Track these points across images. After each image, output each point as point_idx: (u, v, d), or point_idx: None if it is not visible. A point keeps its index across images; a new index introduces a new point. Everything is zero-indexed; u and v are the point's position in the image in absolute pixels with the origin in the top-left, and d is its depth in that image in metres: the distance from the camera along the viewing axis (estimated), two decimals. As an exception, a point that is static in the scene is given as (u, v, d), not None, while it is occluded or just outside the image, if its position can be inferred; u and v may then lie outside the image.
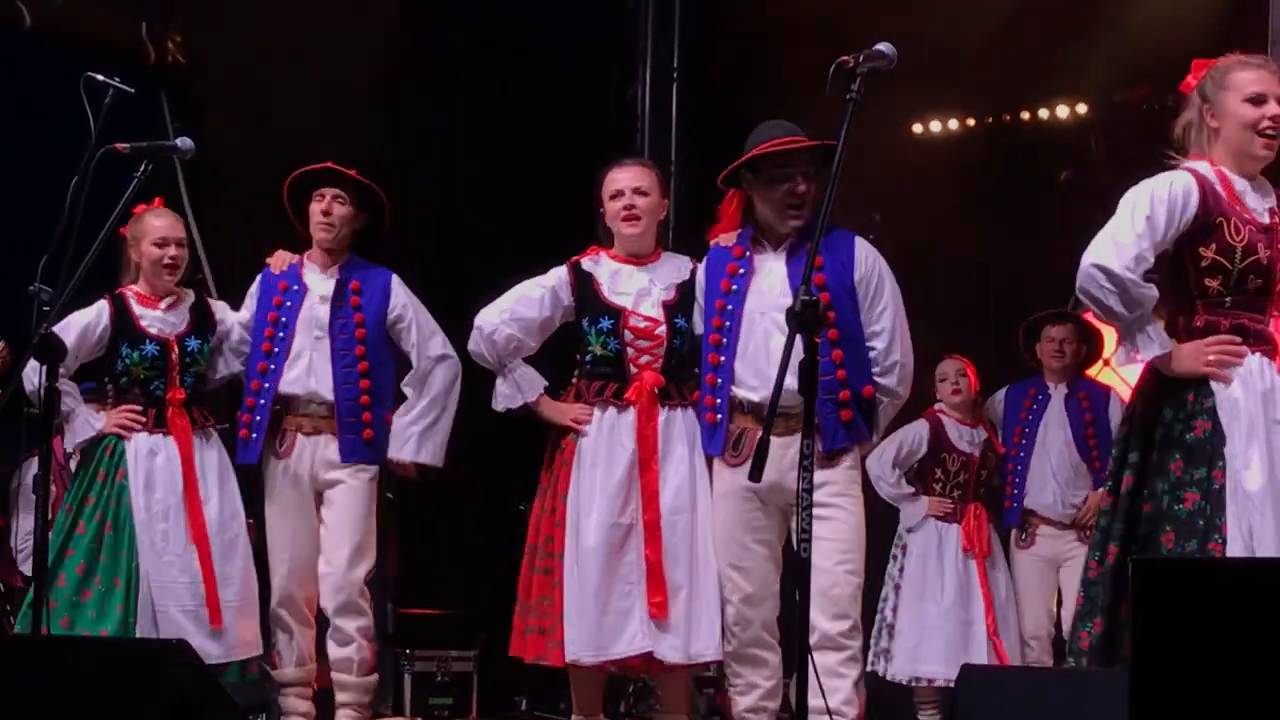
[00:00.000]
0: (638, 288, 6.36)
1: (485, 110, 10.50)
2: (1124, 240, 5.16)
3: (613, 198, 6.40)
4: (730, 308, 6.09)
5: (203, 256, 8.78)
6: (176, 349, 6.91)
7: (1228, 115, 5.29)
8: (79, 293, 6.08)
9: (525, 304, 6.45)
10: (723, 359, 6.07)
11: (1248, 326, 5.22)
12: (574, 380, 6.45)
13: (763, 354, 5.92)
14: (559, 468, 6.32)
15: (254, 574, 7.02)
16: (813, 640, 5.71)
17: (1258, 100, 5.26)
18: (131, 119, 5.94)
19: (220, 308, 7.16)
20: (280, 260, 7.06)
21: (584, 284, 6.40)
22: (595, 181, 6.51)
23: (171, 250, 6.97)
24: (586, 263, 6.46)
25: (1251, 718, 3.54)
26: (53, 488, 6.49)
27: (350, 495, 6.90)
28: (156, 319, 6.95)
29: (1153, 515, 5.18)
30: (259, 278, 7.10)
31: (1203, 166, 5.29)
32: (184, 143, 5.92)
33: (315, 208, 6.99)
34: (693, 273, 6.41)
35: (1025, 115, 10.84)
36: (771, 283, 6.00)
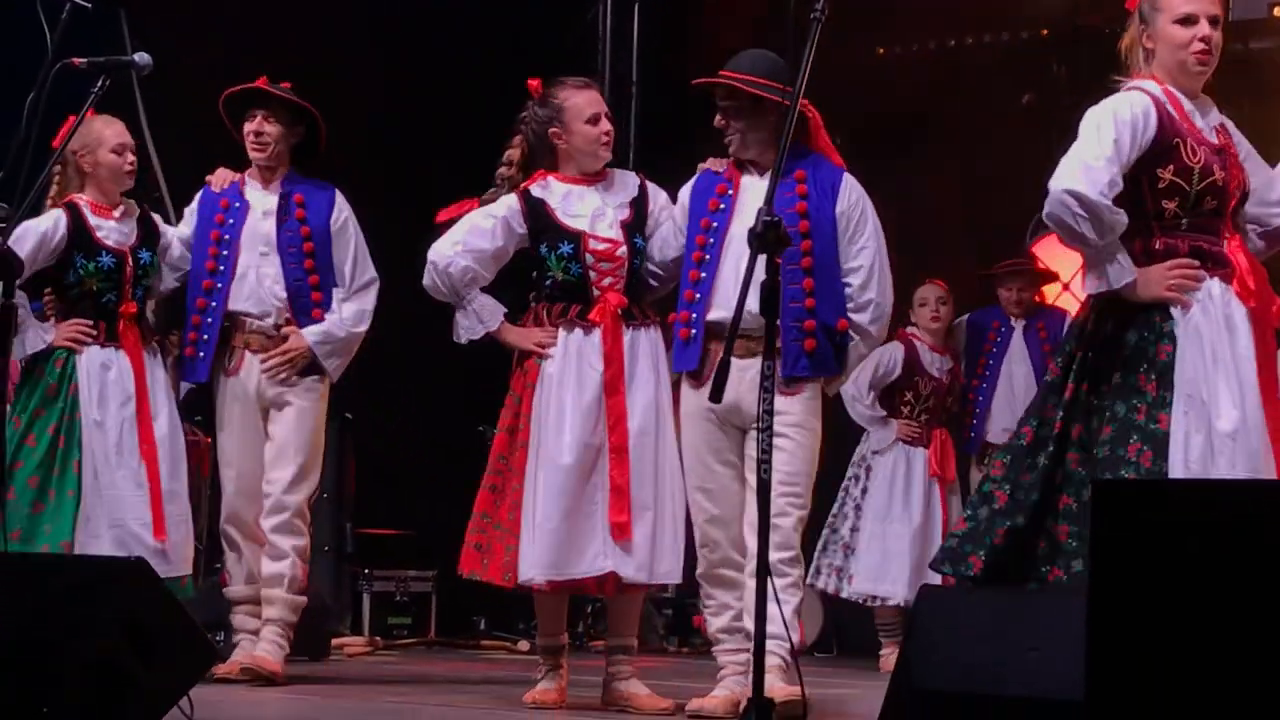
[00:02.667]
0: (592, 209, 6.32)
1: (441, 33, 10.43)
2: (1095, 164, 5.07)
3: (589, 121, 6.35)
4: (715, 226, 6.07)
5: (159, 174, 8.71)
6: (131, 261, 6.86)
7: (1160, 36, 5.25)
8: (34, 209, 6.04)
9: (478, 235, 6.39)
10: (703, 276, 6.04)
11: (1205, 249, 5.18)
12: (531, 305, 6.41)
13: (735, 276, 5.84)
14: (522, 390, 6.29)
15: (186, 493, 6.99)
16: (752, 568, 5.75)
17: (1188, 20, 5.21)
18: (88, 35, 5.87)
19: (159, 221, 7.11)
20: (221, 178, 7.02)
21: (536, 210, 6.34)
22: (540, 100, 6.41)
23: (129, 157, 6.92)
24: (535, 188, 6.39)
25: (1207, 638, 3.55)
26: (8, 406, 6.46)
27: (297, 415, 6.90)
28: (113, 229, 6.87)
29: (1115, 436, 5.12)
30: (198, 195, 7.07)
31: (1152, 86, 5.23)
32: (141, 58, 5.85)
33: (248, 127, 6.95)
34: (641, 188, 6.39)
35: (987, 38, 10.81)
36: (755, 206, 5.91)
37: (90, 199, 6.88)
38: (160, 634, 4.55)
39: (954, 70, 10.85)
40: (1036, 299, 9.12)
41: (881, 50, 10.93)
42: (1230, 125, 5.40)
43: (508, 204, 6.40)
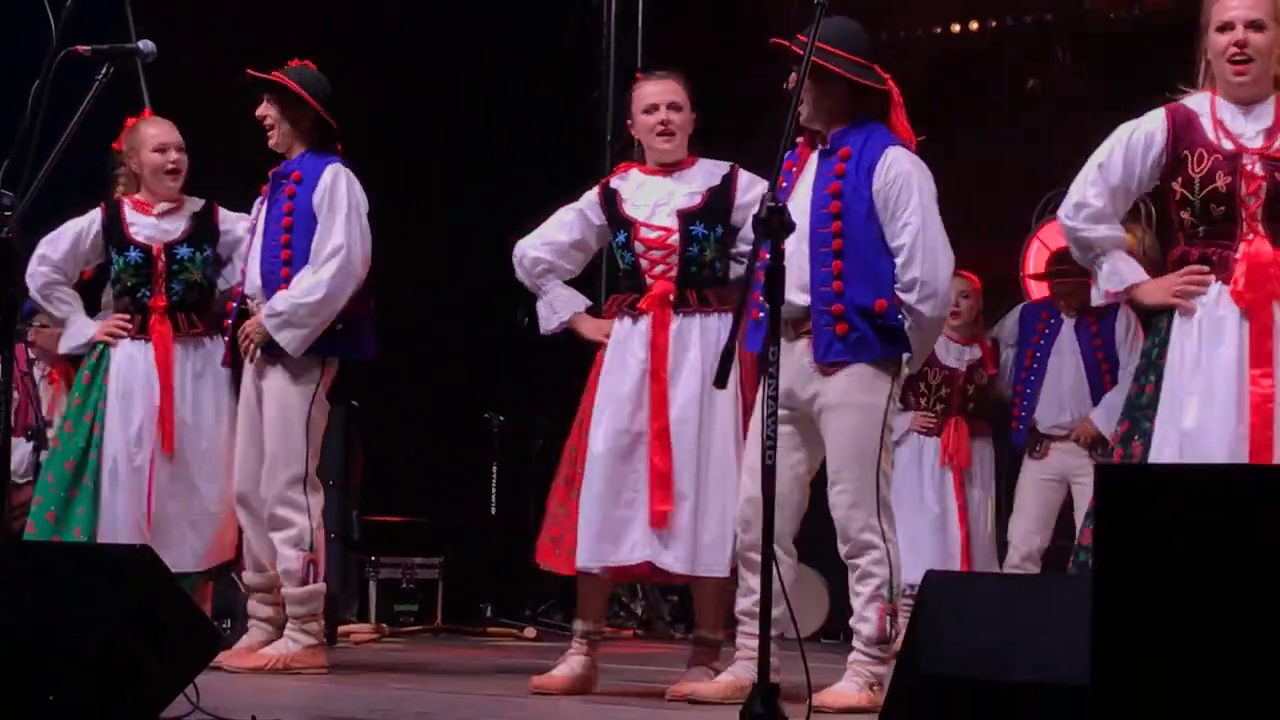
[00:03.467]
0: (655, 199, 6.34)
1: (444, 22, 10.43)
2: (1074, 188, 5.41)
3: (646, 111, 6.36)
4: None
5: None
6: (164, 256, 6.97)
7: (1209, 46, 5.37)
8: (40, 198, 6.04)
9: (556, 227, 6.50)
10: (767, 255, 5.98)
11: (1211, 256, 5.30)
12: (610, 296, 6.51)
13: (794, 253, 5.54)
14: (591, 381, 6.35)
15: (216, 488, 7.03)
16: (789, 553, 5.72)
17: (1225, 28, 5.31)
18: (93, 22, 5.87)
19: (230, 218, 7.17)
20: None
21: (611, 201, 6.41)
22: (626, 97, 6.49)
23: (172, 155, 7.08)
24: (616, 180, 6.48)
25: (1213, 621, 3.55)
26: (15, 394, 6.56)
27: (268, 401, 6.85)
28: (148, 225, 7.05)
29: (1127, 435, 5.34)
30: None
31: (1195, 99, 5.39)
32: (146, 45, 5.84)
33: (258, 113, 6.96)
34: (726, 178, 6.35)
35: (994, 23, 10.80)
36: (806, 183, 5.87)
37: (140, 198, 7.09)
38: (167, 621, 4.56)
39: (958, 54, 10.85)
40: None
41: (885, 35, 10.93)
42: None
43: (589, 196, 6.51)
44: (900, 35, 10.96)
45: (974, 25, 10.89)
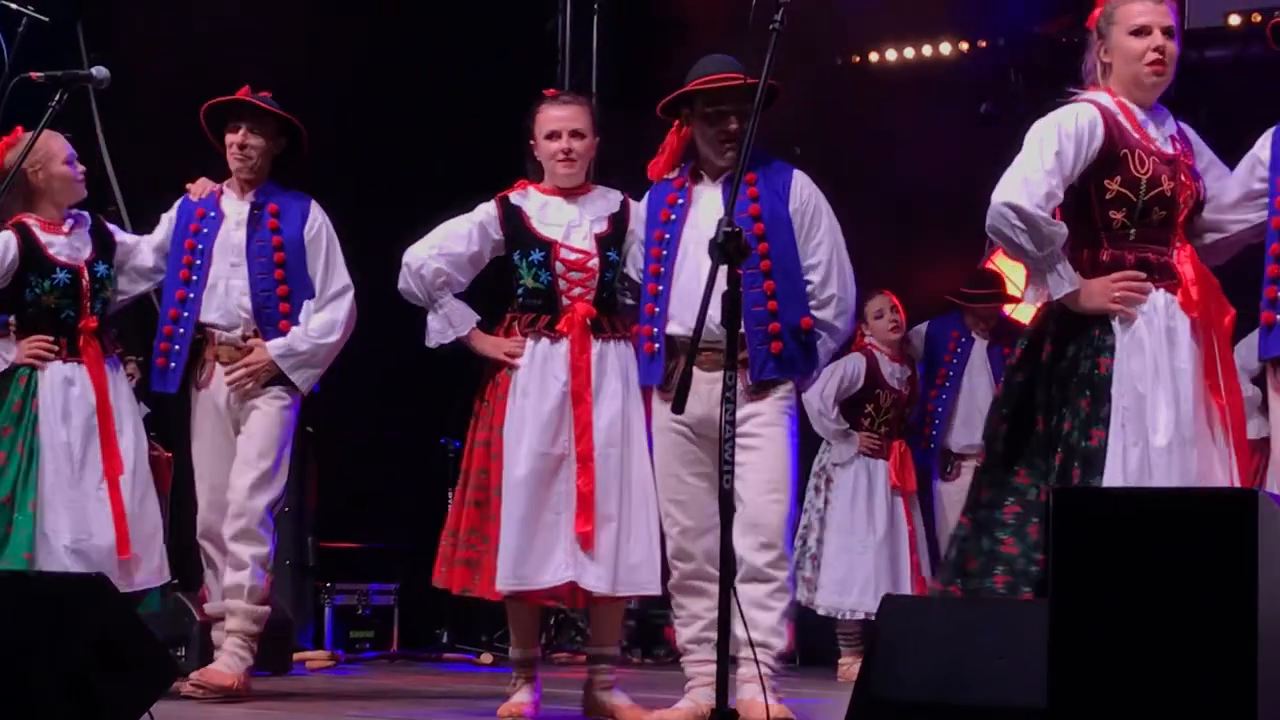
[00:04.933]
0: (567, 220, 6.35)
1: (405, 41, 10.43)
2: (1034, 177, 5.17)
3: (549, 137, 6.37)
4: (668, 238, 6.07)
5: (115, 187, 8.70)
6: (87, 275, 6.84)
7: (1116, 49, 5.34)
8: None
9: (453, 239, 6.43)
10: (660, 289, 6.05)
11: (1151, 260, 5.24)
12: (507, 314, 6.42)
13: (693, 286, 5.79)
14: (494, 400, 6.30)
15: (157, 503, 6.97)
16: (740, 573, 5.75)
17: (1141, 32, 5.30)
18: (46, 48, 5.86)
19: (115, 229, 7.09)
20: (201, 187, 7.00)
21: (513, 218, 6.38)
22: (527, 113, 6.45)
23: (80, 166, 6.91)
24: (515, 197, 6.44)
25: (1169, 647, 3.57)
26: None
27: (261, 420, 6.86)
28: (64, 245, 6.85)
29: (1065, 457, 5.17)
30: (178, 203, 7.04)
31: (1103, 98, 5.32)
32: (99, 72, 5.85)
33: (231, 139, 6.93)
34: (623, 205, 6.39)
35: (946, 48, 10.85)
36: (707, 213, 5.92)
37: (39, 217, 6.83)
38: (124, 650, 4.54)
39: (910, 79, 10.89)
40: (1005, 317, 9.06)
41: (839, 60, 10.97)
42: (1191, 134, 5.45)
43: (486, 209, 6.45)
44: (854, 60, 11.02)
45: (926, 49, 10.93)
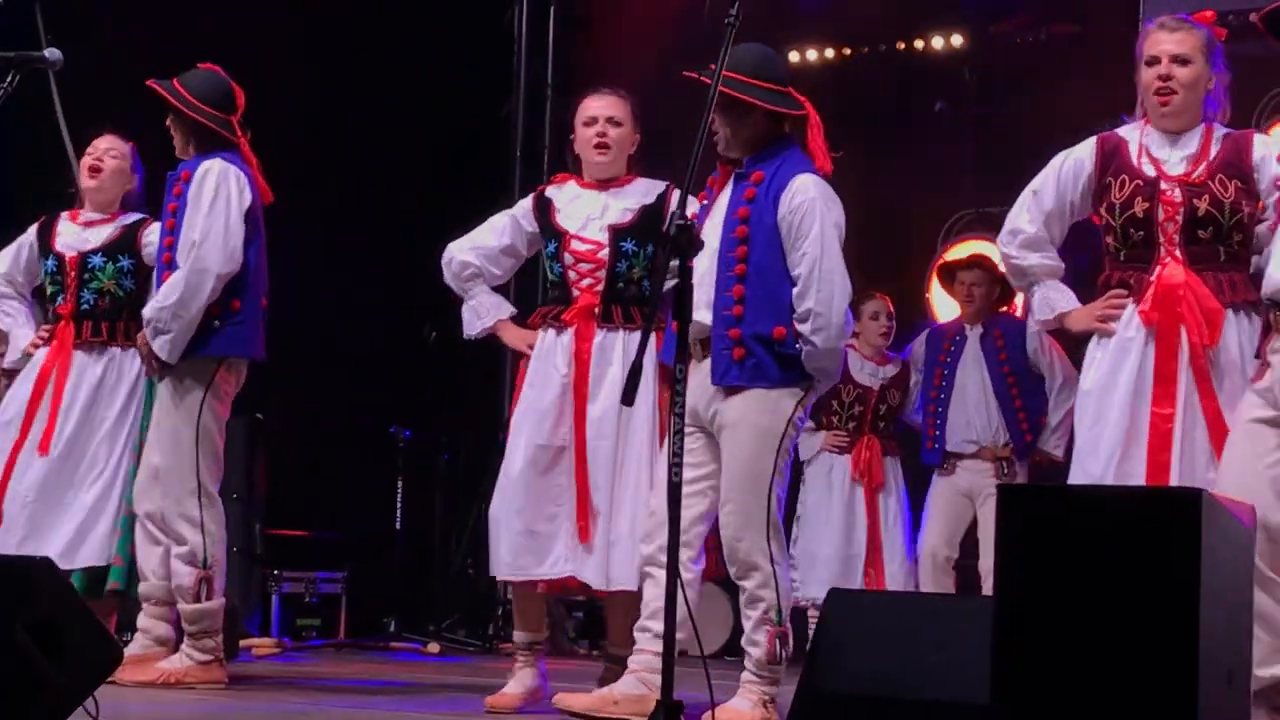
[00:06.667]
0: (588, 212, 6.36)
1: (361, 36, 10.43)
2: (1013, 215, 5.64)
3: (585, 124, 6.41)
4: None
5: (76, 170, 8.66)
6: (77, 264, 6.95)
7: (1139, 81, 5.58)
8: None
9: (488, 231, 6.51)
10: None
11: (1129, 279, 5.46)
12: (539, 306, 6.50)
13: (702, 274, 5.56)
14: (516, 392, 6.38)
15: (111, 486, 6.95)
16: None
17: (1152, 62, 5.51)
18: (2, 30, 5.84)
19: (152, 230, 7.07)
20: None
21: (544, 210, 6.43)
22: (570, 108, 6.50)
23: (88, 161, 7.15)
24: (551, 189, 6.51)
25: (1113, 645, 3.59)
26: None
27: (161, 410, 6.72)
28: (72, 233, 7.08)
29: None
30: None
31: (1127, 128, 5.58)
32: (52, 54, 5.79)
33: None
34: (661, 197, 6.37)
35: (900, 45, 10.89)
36: (720, 207, 5.89)
37: (78, 209, 7.18)
38: (67, 633, 4.52)
39: (866, 77, 10.92)
40: (1002, 308, 8.96)
41: (796, 57, 10.98)
42: (1257, 152, 5.45)
43: (524, 203, 6.55)
44: (809, 58, 11.03)
45: (881, 47, 10.96)
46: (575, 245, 6.33)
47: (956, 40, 10.68)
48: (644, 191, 6.43)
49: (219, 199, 6.60)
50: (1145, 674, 3.54)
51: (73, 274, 6.98)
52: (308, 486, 10.29)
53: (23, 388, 6.98)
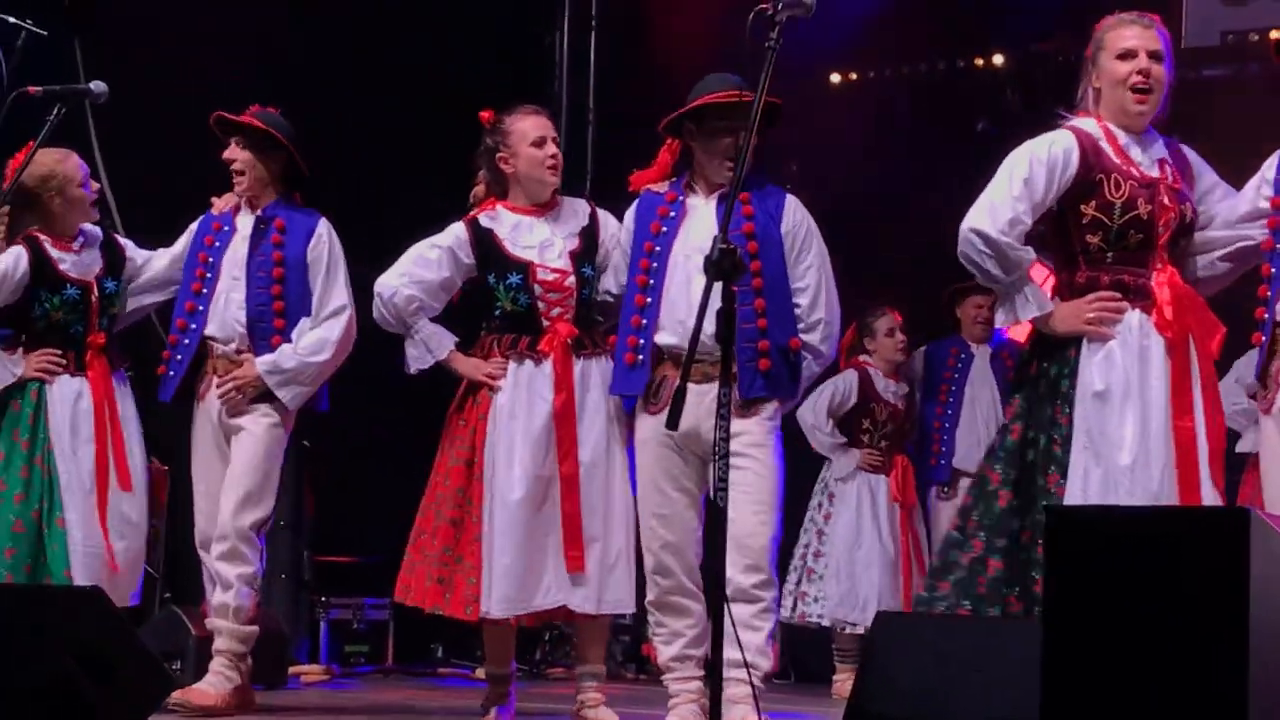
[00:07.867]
0: (540, 240, 6.33)
1: (402, 56, 10.44)
2: (999, 203, 5.28)
3: (535, 145, 6.36)
4: (658, 249, 6.03)
5: (111, 202, 8.70)
6: (96, 291, 6.87)
7: (1104, 74, 5.40)
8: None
9: (423, 265, 6.40)
10: (649, 300, 6.01)
11: (1127, 282, 5.28)
12: (483, 335, 6.41)
13: (683, 299, 5.85)
14: (475, 419, 6.28)
15: (146, 525, 6.98)
16: (728, 592, 5.73)
17: (1127, 55, 5.36)
18: (44, 63, 5.87)
19: (127, 244, 7.08)
20: (224, 202, 6.97)
21: (484, 240, 6.35)
22: (491, 127, 6.43)
23: (95, 184, 6.96)
24: (484, 218, 6.40)
25: (1162, 667, 3.58)
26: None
27: (248, 440, 6.79)
28: (74, 262, 6.88)
29: (1034, 463, 5.25)
30: (202, 216, 7.02)
31: (1088, 124, 5.38)
32: (97, 86, 5.86)
33: (226, 156, 6.92)
34: (591, 217, 6.40)
35: (941, 65, 10.87)
36: (700, 227, 5.94)
37: (50, 234, 6.85)
38: (117, 662, 4.54)
39: (908, 97, 10.92)
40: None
41: (838, 78, 10.98)
42: (1193, 156, 5.49)
43: (455, 233, 6.41)
44: (851, 78, 11.03)
45: (923, 66, 10.95)
46: (542, 275, 6.30)
47: (998, 60, 10.68)
48: (574, 212, 6.45)
49: (344, 264, 6.86)
50: (1195, 696, 3.52)
51: (95, 302, 6.88)
52: (355, 512, 10.29)
53: (71, 422, 6.82)
